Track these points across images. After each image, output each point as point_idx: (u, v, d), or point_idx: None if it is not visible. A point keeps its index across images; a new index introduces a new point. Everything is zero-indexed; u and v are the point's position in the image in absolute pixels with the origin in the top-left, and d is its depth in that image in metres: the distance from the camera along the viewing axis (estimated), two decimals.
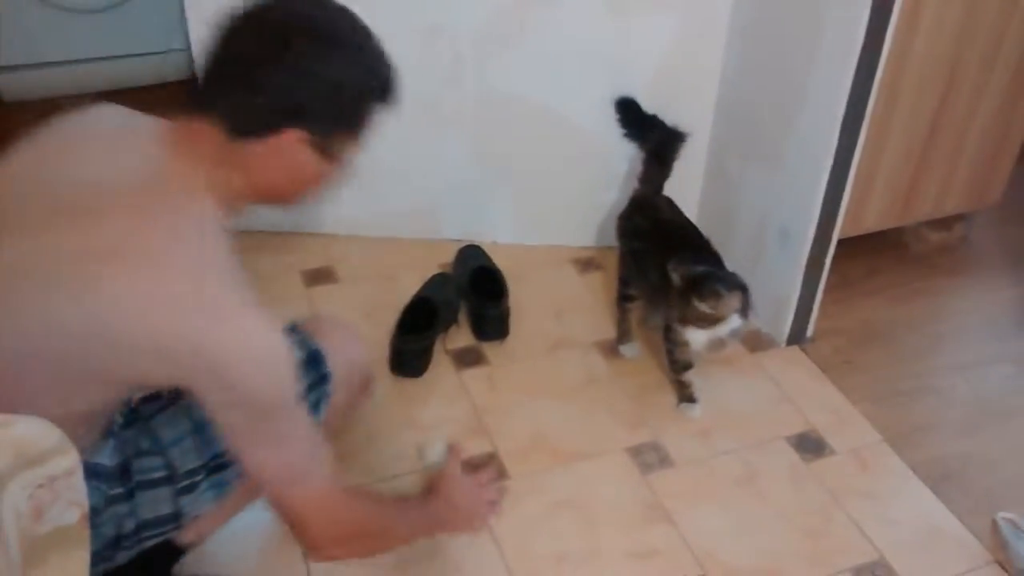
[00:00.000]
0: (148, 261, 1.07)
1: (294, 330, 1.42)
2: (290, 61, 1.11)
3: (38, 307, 1.06)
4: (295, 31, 1.13)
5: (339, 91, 1.15)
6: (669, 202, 2.13)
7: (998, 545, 1.74)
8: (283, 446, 1.17)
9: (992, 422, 2.05)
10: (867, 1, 1.76)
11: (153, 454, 1.29)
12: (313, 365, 1.39)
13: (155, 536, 1.32)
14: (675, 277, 1.83)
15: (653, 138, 2.15)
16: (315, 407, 1.39)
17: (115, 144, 1.18)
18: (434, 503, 1.44)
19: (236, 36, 1.14)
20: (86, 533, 0.96)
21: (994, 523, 1.77)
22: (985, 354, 2.25)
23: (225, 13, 1.15)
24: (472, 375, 2.09)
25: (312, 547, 1.26)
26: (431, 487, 1.47)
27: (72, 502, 0.95)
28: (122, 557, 1.30)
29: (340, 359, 1.43)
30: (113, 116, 1.25)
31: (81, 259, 1.06)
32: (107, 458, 1.25)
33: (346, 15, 1.20)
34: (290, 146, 1.15)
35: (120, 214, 1.09)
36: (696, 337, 1.89)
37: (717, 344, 1.90)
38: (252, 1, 1.15)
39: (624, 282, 2.15)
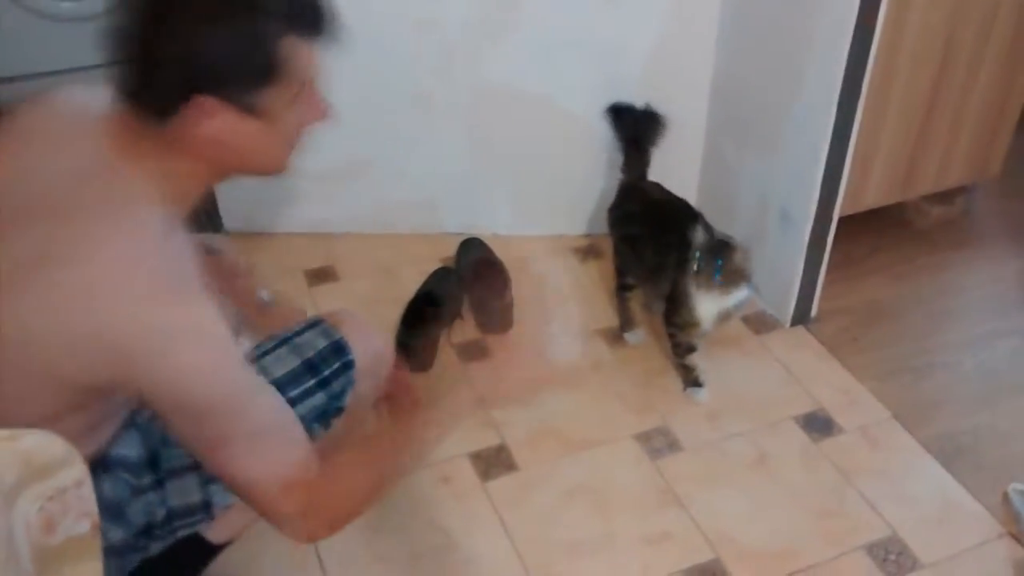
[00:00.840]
0: (88, 261, 1.03)
1: (318, 322, 1.43)
2: (167, 27, 1.03)
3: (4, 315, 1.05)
4: None
5: (227, 43, 1.04)
6: (657, 186, 2.13)
7: (1010, 517, 1.74)
8: (241, 445, 1.13)
9: (1002, 395, 2.04)
10: None
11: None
12: (337, 353, 1.40)
13: (186, 525, 1.32)
14: (699, 238, 1.83)
15: (627, 124, 2.15)
16: (340, 395, 1.40)
17: (60, 144, 1.14)
18: (402, 428, 1.42)
19: (119, 16, 1.06)
20: (97, 543, 0.96)
21: (1006, 495, 1.77)
22: (992, 327, 2.24)
23: None
24: (477, 367, 2.09)
25: (294, 537, 1.22)
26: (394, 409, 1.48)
27: (83, 513, 0.95)
28: (156, 547, 1.31)
29: (364, 349, 1.43)
30: (64, 107, 1.19)
31: (33, 264, 1.04)
32: (131, 449, 1.26)
33: None
34: (207, 116, 1.07)
35: (65, 217, 1.05)
36: (707, 311, 1.89)
37: (724, 317, 1.91)
38: None
39: (621, 272, 2.14)
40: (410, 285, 2.20)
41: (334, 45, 1.12)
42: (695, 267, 1.83)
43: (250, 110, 1.08)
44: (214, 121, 1.07)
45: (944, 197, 2.55)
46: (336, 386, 1.39)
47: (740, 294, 1.86)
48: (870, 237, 2.48)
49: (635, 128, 2.15)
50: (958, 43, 2.18)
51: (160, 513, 1.28)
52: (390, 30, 2.14)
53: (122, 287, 1.03)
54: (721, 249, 1.82)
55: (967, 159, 2.43)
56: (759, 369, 2.11)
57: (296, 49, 1.07)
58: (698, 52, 2.23)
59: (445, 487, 1.80)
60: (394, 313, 2.12)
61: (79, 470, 0.93)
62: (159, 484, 1.28)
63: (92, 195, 1.08)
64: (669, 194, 2.10)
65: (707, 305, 1.89)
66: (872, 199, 2.35)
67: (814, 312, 2.23)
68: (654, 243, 2.00)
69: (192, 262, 1.10)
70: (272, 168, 1.19)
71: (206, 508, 1.32)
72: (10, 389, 1.08)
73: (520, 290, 2.23)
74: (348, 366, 1.41)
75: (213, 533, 1.37)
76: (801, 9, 1.91)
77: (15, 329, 1.04)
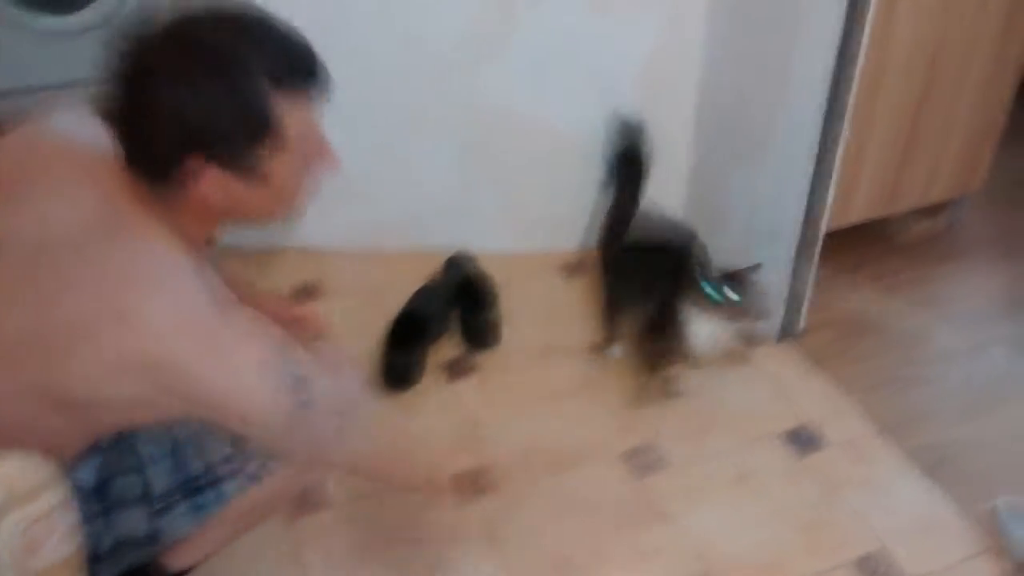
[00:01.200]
0: (118, 292, 1.04)
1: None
2: (152, 95, 1.04)
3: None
4: (145, 63, 1.05)
5: (214, 106, 1.04)
6: (650, 203, 2.13)
7: (995, 531, 1.75)
8: (315, 443, 1.22)
9: (987, 407, 2.05)
10: None
11: (133, 472, 1.29)
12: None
13: (134, 555, 1.31)
14: (704, 261, 1.84)
15: (619, 144, 2.17)
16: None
17: (65, 183, 1.13)
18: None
19: (110, 87, 1.07)
20: (81, 563, 0.96)
21: (992, 509, 1.77)
22: (977, 339, 2.25)
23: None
24: (464, 385, 2.09)
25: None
26: None
27: (67, 534, 0.95)
28: (105, 574, 1.29)
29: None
30: (59, 141, 1.18)
31: (68, 327, 1.05)
32: (88, 475, 1.25)
33: (202, 21, 1.07)
34: (203, 181, 1.08)
35: (88, 277, 1.06)
36: (704, 335, 1.89)
37: (718, 344, 1.92)
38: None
39: (610, 289, 2.14)
40: (397, 302, 2.20)
41: (325, 96, 1.12)
42: (704, 291, 1.83)
43: (246, 171, 1.09)
44: (211, 184, 1.08)
45: (928, 211, 2.56)
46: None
47: (740, 324, 1.86)
48: (856, 251, 2.49)
49: (628, 146, 2.15)
50: (945, 56, 2.18)
51: (105, 543, 1.26)
52: (380, 46, 2.15)
53: (161, 312, 1.04)
54: (735, 277, 1.82)
55: (953, 173, 2.44)
56: (746, 383, 2.11)
57: (286, 105, 1.07)
58: (685, 69, 2.24)
59: (432, 506, 1.80)
60: (380, 331, 2.11)
61: (63, 492, 0.93)
62: (105, 513, 1.26)
63: (115, 242, 1.08)
64: (662, 212, 2.10)
65: (704, 330, 1.89)
66: (858, 213, 2.36)
67: (801, 326, 2.24)
68: (645, 262, 2.00)
69: (217, 283, 1.13)
70: (277, 220, 1.20)
71: (154, 540, 1.31)
72: (9, 402, 1.09)
73: (506, 306, 2.23)
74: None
75: (172, 560, 1.36)
76: (787, 25, 1.93)
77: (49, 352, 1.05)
